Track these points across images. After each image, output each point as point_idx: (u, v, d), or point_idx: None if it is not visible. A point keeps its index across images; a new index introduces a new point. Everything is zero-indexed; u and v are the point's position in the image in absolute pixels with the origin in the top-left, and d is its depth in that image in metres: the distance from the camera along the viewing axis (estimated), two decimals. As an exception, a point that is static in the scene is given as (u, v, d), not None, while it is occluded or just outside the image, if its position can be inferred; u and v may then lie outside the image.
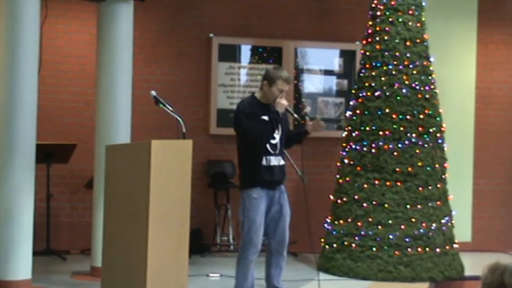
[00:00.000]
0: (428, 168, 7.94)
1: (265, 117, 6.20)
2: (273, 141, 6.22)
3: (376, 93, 8.04)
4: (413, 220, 7.81)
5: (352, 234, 7.90)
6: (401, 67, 8.03)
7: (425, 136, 7.98)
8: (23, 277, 6.61)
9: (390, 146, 7.90)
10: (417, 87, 8.02)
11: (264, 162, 6.18)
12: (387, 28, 8.10)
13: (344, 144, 8.29)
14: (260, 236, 6.24)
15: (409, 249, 7.76)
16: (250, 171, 6.22)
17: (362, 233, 7.84)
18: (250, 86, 9.36)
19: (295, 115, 6.44)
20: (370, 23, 8.26)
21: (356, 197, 7.96)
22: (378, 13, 8.17)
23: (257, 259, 6.36)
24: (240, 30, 9.43)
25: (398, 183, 7.86)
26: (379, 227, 7.80)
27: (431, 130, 8.02)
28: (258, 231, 6.21)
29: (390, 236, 7.75)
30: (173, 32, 9.31)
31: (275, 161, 6.25)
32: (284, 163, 6.37)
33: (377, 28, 8.16)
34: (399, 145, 7.90)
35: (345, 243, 7.94)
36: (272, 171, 6.22)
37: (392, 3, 8.10)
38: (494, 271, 2.88)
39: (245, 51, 9.46)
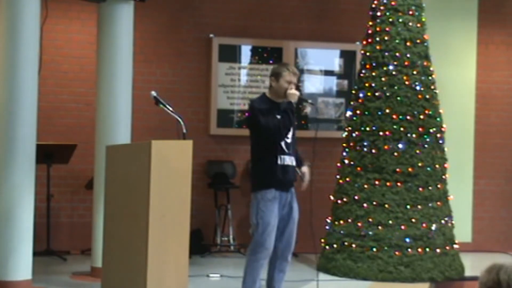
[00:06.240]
0: (428, 169, 7.94)
1: (278, 117, 6.12)
2: (287, 140, 6.15)
3: (376, 94, 8.04)
4: (413, 220, 7.81)
5: (352, 234, 7.90)
6: (401, 67, 8.03)
7: (425, 136, 7.97)
8: (23, 277, 6.60)
9: (390, 146, 7.90)
10: (417, 88, 8.01)
11: (279, 162, 6.10)
12: (387, 29, 8.10)
13: (344, 145, 8.30)
14: (273, 239, 6.12)
15: (409, 250, 7.76)
16: (265, 171, 6.11)
17: (362, 233, 7.84)
18: (250, 87, 9.37)
19: (309, 101, 6.59)
20: (370, 23, 8.26)
21: (356, 197, 7.96)
22: (378, 13, 8.17)
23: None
24: (240, 30, 9.42)
25: (398, 184, 7.86)
26: (379, 227, 7.80)
27: (431, 130, 8.02)
28: (271, 234, 6.09)
29: (391, 237, 7.75)
30: (173, 32, 9.31)
31: (289, 160, 6.17)
32: (295, 164, 6.29)
33: (377, 29, 8.16)
34: (399, 146, 7.90)
35: (345, 243, 7.94)
36: (287, 170, 6.14)
37: (393, 3, 8.11)
38: (491, 270, 2.92)
39: (245, 52, 9.45)
